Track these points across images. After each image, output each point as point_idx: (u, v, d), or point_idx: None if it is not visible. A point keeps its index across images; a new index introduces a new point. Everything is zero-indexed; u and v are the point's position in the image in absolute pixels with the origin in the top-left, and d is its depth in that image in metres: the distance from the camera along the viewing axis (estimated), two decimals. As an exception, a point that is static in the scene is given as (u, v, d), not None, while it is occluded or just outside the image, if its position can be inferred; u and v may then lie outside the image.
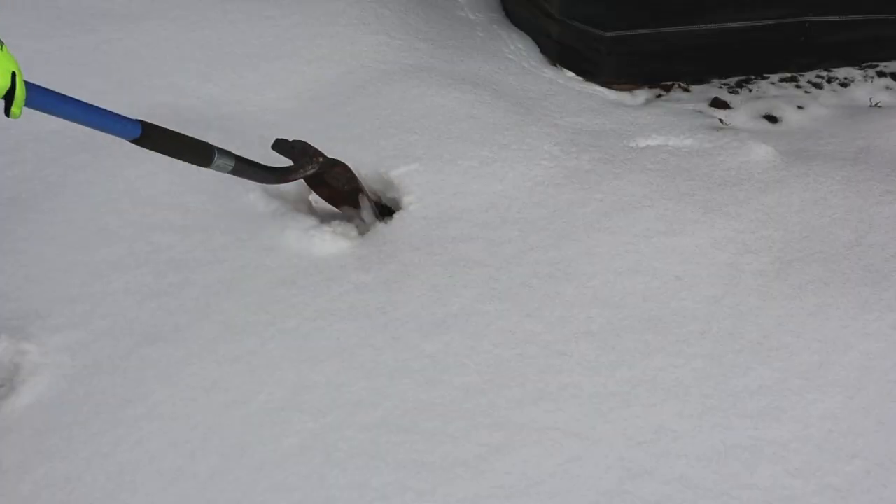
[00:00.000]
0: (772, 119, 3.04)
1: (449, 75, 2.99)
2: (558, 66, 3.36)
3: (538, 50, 3.47)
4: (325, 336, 1.87)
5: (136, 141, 1.67)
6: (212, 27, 3.12)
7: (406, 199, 2.35)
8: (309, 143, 2.15)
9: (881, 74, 3.38)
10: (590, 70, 3.27)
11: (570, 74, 3.31)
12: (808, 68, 3.41)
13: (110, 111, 1.62)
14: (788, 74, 3.39)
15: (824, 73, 3.40)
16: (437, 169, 2.46)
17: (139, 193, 2.28)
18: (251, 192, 2.27)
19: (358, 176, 2.27)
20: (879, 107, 3.10)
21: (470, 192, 2.36)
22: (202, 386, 1.74)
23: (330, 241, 2.12)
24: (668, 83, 3.32)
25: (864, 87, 3.29)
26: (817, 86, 3.31)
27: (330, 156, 2.17)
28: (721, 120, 3.01)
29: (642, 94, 3.24)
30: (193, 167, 2.35)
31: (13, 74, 1.25)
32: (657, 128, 2.81)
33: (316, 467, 1.57)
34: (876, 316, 1.91)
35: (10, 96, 1.27)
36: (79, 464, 1.58)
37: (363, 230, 2.28)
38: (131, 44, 2.96)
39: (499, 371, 1.78)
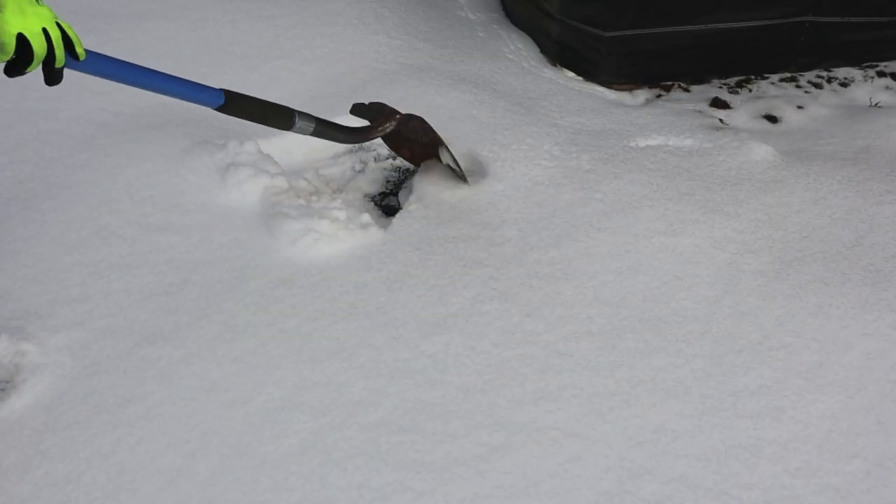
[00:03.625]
0: (772, 119, 3.04)
1: (449, 75, 3.00)
2: (558, 66, 3.36)
3: (538, 50, 3.47)
4: (325, 336, 1.87)
5: (220, 109, 1.78)
6: (212, 27, 3.12)
7: (406, 199, 2.35)
8: (385, 103, 2.27)
9: (881, 74, 3.38)
10: (590, 70, 3.27)
11: (570, 74, 3.31)
12: (808, 68, 3.41)
13: (194, 82, 1.72)
14: (788, 74, 3.39)
15: (824, 73, 3.40)
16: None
17: (139, 193, 2.28)
18: (251, 194, 2.27)
19: (434, 130, 2.32)
20: (879, 107, 3.10)
21: (470, 192, 2.36)
22: (202, 386, 1.74)
23: (330, 241, 2.12)
24: (668, 83, 3.32)
25: (864, 87, 3.29)
26: (817, 86, 3.31)
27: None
28: (721, 120, 3.01)
29: (642, 94, 3.24)
30: (193, 167, 2.36)
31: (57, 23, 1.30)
32: (657, 128, 2.81)
33: (316, 467, 1.57)
34: (876, 316, 1.91)
35: (69, 43, 1.32)
36: (79, 464, 1.59)
37: (459, 178, 2.37)
38: (131, 44, 2.96)
39: (499, 371, 1.78)
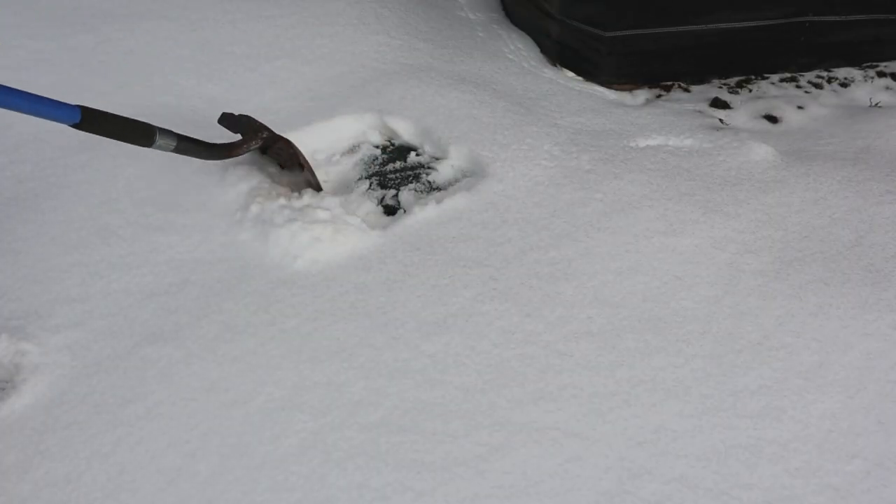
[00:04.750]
0: (772, 119, 3.04)
1: (449, 75, 2.99)
2: (558, 66, 3.36)
3: (538, 50, 3.47)
4: (325, 336, 1.87)
5: (77, 126, 1.68)
6: (212, 27, 3.12)
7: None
8: (253, 117, 2.26)
9: (881, 74, 3.38)
10: (590, 70, 3.27)
11: (570, 74, 3.31)
12: (808, 68, 3.41)
13: (46, 98, 1.60)
14: (788, 74, 3.39)
15: (824, 73, 3.40)
16: (437, 169, 2.46)
17: (139, 193, 2.28)
18: (250, 194, 2.27)
19: (300, 152, 2.32)
20: (879, 107, 3.10)
21: (470, 192, 2.36)
22: (202, 386, 1.74)
23: (329, 241, 2.12)
24: (668, 83, 3.32)
25: (864, 87, 3.29)
26: (817, 86, 3.31)
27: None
28: (721, 120, 3.01)
29: (642, 94, 3.24)
30: (193, 166, 2.36)
31: None
32: (657, 128, 2.81)
33: (316, 467, 1.57)
34: (876, 316, 1.91)
35: None
36: (79, 464, 1.59)
37: (308, 188, 2.35)
38: (131, 44, 2.96)
39: (499, 371, 1.78)
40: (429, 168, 2.52)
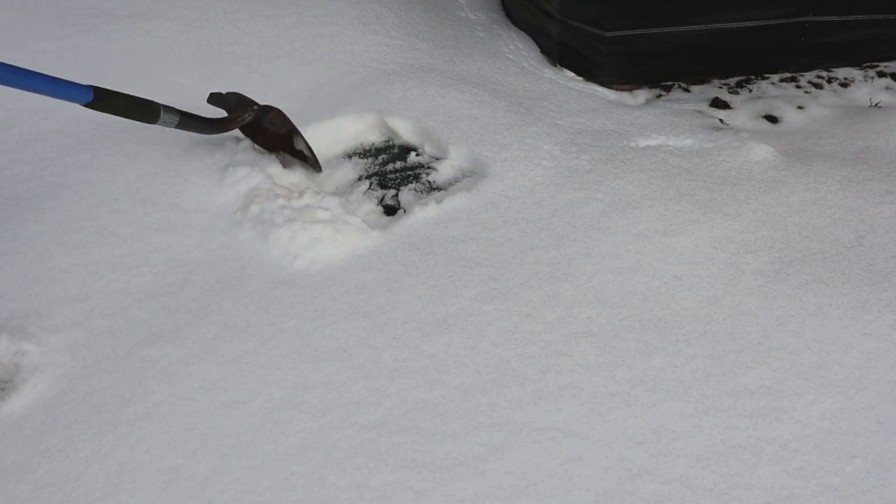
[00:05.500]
0: (772, 119, 3.04)
1: (449, 75, 2.99)
2: (558, 66, 3.36)
3: (538, 50, 3.47)
4: (325, 336, 1.87)
5: (89, 104, 1.82)
6: (212, 27, 3.12)
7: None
8: (241, 93, 2.37)
9: (881, 74, 3.38)
10: (590, 70, 3.27)
11: (570, 74, 3.31)
12: (808, 68, 3.41)
13: (61, 79, 1.71)
14: (788, 74, 3.39)
15: (824, 73, 3.40)
16: (437, 169, 2.45)
17: (139, 193, 2.28)
18: (250, 194, 2.27)
19: (291, 121, 2.43)
20: (879, 107, 3.10)
21: (470, 192, 2.36)
22: (202, 386, 1.74)
23: (329, 241, 2.12)
24: (668, 83, 3.32)
25: (864, 87, 3.29)
26: (817, 86, 3.31)
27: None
28: (721, 120, 3.01)
29: (642, 94, 3.24)
30: (193, 166, 2.36)
31: None
32: (657, 128, 2.81)
33: (316, 467, 1.57)
34: (876, 316, 1.91)
35: None
36: (79, 464, 1.59)
37: (311, 165, 2.45)
38: (131, 44, 2.96)
39: (499, 371, 1.78)
40: (429, 168, 2.53)
